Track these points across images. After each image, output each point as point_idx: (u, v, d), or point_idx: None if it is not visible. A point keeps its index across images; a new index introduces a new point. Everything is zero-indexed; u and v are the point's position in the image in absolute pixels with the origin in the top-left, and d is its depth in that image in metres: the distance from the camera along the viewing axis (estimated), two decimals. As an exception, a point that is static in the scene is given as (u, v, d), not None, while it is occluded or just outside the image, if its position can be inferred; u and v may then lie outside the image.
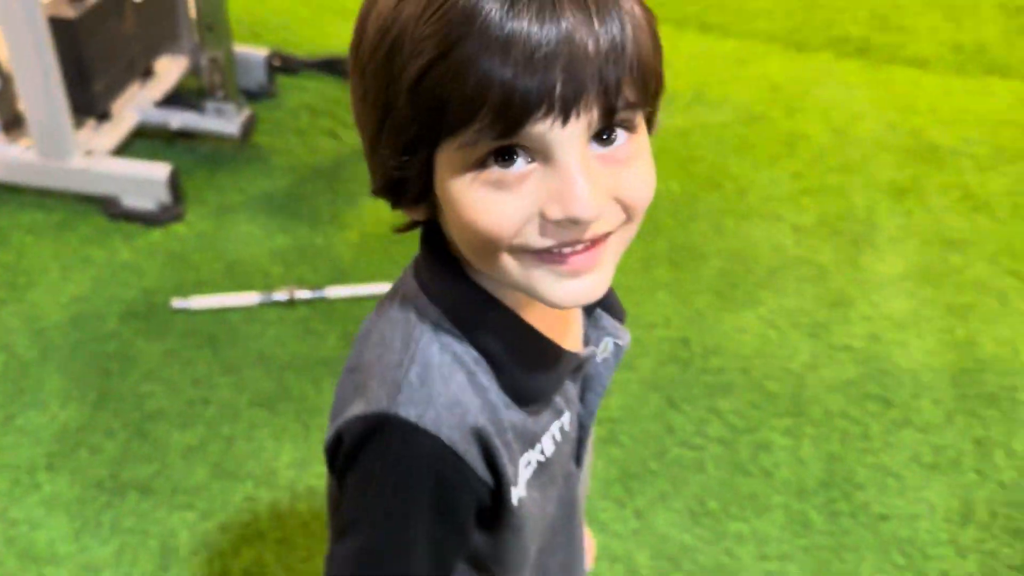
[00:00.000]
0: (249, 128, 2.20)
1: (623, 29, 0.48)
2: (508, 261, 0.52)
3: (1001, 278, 1.97)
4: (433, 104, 0.48)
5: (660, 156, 0.55)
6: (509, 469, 0.59)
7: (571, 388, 0.64)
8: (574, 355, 0.62)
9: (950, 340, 1.81)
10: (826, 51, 2.81)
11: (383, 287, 1.84)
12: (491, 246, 0.52)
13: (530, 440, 0.61)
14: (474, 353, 0.58)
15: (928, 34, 2.91)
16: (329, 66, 2.53)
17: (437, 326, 0.58)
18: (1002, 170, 2.31)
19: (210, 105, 2.17)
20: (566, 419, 0.64)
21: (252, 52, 2.39)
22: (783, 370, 1.72)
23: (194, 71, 2.34)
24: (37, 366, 1.66)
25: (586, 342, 0.67)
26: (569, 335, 0.64)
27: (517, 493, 0.61)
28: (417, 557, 0.59)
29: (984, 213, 2.16)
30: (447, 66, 0.47)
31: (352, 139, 2.31)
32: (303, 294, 1.81)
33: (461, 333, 0.58)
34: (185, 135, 2.23)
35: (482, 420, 0.57)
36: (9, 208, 2.02)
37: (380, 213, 2.07)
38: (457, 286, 0.58)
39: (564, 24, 0.46)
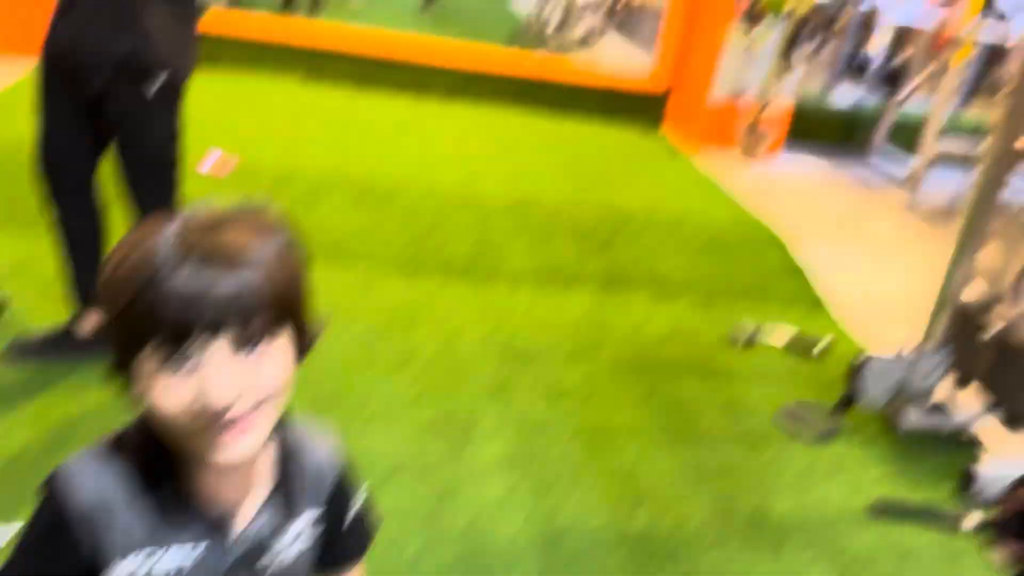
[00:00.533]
0: None
1: (252, 278, 0.71)
2: (183, 431, 0.74)
3: (578, 454, 2.37)
4: (127, 331, 0.73)
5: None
6: (110, 554, 0.79)
7: (217, 534, 0.83)
8: (213, 506, 0.83)
9: (537, 513, 2.13)
10: (437, 275, 3.27)
11: (16, 525, 1.79)
12: (168, 422, 0.74)
13: (159, 540, 0.81)
14: (129, 472, 0.80)
15: (518, 257, 3.51)
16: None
17: (120, 446, 0.82)
18: (578, 363, 2.82)
19: None
20: (201, 550, 0.82)
21: None
22: (397, 560, 1.91)
23: None
24: None
25: (259, 514, 0.87)
26: (237, 497, 0.84)
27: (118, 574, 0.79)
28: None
29: (566, 399, 2.61)
30: (133, 312, 0.71)
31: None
32: (-101, 551, 1.70)
33: (131, 459, 0.81)
34: None
35: (97, 513, 0.78)
36: None
37: (16, 451, 2.02)
38: (147, 435, 0.80)
39: (210, 277, 0.70)
